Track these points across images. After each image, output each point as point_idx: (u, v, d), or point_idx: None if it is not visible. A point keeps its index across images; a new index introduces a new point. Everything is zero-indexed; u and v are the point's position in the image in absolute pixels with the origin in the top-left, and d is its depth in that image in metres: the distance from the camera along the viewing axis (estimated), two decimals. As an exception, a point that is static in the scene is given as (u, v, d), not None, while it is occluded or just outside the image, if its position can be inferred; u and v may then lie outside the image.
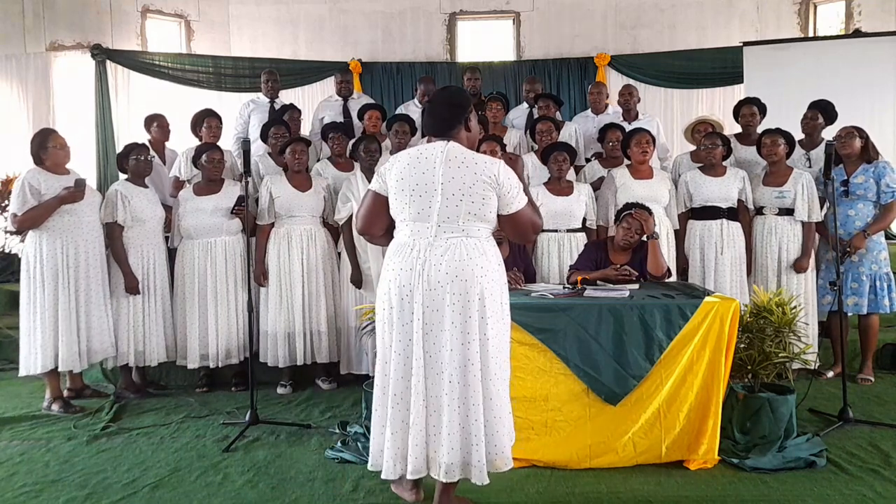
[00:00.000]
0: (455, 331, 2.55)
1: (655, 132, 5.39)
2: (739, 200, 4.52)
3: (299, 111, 5.61)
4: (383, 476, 2.64)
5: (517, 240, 2.93)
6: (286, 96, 6.71)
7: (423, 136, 4.96)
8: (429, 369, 2.57)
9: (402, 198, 2.62)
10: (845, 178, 4.44)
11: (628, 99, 5.59)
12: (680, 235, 4.63)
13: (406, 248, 2.62)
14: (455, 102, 2.72)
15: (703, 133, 4.97)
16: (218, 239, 4.50)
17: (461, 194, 2.57)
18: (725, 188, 4.49)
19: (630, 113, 5.56)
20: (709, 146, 4.54)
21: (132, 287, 4.36)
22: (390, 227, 2.75)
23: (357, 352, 4.54)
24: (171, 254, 4.62)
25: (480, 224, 2.62)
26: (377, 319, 2.74)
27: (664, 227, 4.45)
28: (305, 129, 6.05)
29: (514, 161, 2.82)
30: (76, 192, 4.15)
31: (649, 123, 5.42)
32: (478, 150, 4.56)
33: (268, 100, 5.97)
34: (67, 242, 4.18)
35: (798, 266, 4.42)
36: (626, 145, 4.60)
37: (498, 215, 2.66)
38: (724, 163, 4.63)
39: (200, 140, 5.06)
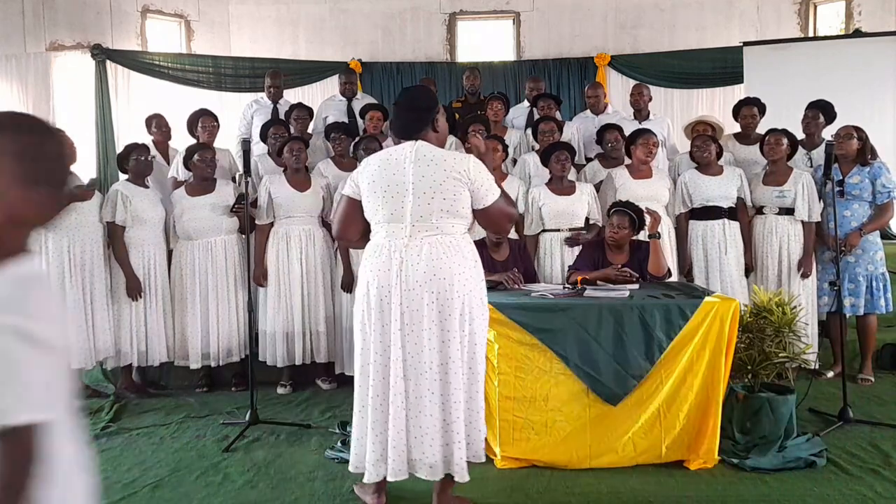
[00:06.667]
0: (435, 330, 2.58)
1: (666, 133, 5.37)
2: (739, 198, 4.52)
3: (309, 110, 5.53)
4: (366, 480, 2.67)
5: (494, 232, 3.03)
6: (286, 96, 6.68)
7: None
8: (409, 370, 2.59)
9: (375, 200, 2.65)
10: (841, 178, 4.45)
11: (639, 99, 5.51)
12: (680, 236, 4.62)
13: (382, 250, 2.64)
14: (421, 105, 2.74)
15: (698, 134, 4.97)
16: (218, 238, 4.49)
17: (432, 192, 2.58)
18: (725, 187, 4.48)
19: (641, 113, 5.49)
20: (700, 145, 4.56)
21: (133, 289, 4.36)
22: (366, 230, 2.77)
23: (350, 352, 4.52)
24: (168, 255, 4.59)
25: (454, 220, 2.63)
26: (355, 321, 2.75)
27: (664, 227, 4.45)
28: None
29: (483, 156, 2.79)
30: (87, 191, 4.18)
31: (660, 123, 5.39)
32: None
33: (270, 102, 5.95)
34: (73, 241, 4.19)
35: (803, 268, 4.42)
36: (630, 144, 4.59)
37: (472, 210, 2.68)
38: (718, 162, 4.62)
39: (198, 140, 5.05)
